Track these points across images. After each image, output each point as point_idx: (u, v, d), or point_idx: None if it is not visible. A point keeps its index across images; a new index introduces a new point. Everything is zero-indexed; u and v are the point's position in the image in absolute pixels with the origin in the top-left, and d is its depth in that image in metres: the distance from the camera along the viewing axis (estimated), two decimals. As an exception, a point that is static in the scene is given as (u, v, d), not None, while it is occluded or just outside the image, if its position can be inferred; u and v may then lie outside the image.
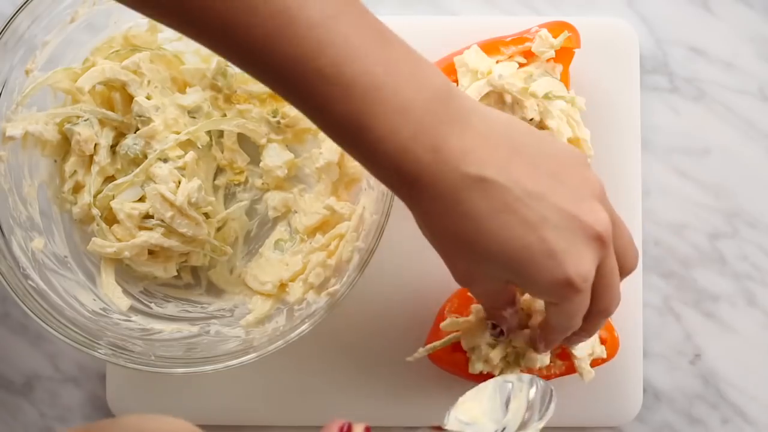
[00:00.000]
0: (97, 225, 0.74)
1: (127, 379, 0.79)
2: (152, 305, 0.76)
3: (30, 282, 0.70)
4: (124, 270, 0.76)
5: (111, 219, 0.75)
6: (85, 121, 0.74)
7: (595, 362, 0.73)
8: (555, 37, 0.73)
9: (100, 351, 0.69)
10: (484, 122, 0.56)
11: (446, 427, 0.62)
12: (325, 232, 0.75)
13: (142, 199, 0.75)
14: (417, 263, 0.79)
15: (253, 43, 0.53)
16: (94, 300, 0.74)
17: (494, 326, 0.69)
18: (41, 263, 0.72)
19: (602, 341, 0.74)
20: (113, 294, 0.74)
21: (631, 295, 0.78)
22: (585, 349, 0.72)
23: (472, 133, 0.56)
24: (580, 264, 0.57)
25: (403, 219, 0.78)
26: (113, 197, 0.74)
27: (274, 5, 0.52)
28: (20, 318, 0.81)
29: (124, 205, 0.74)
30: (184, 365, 0.69)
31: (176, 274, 0.76)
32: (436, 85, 0.56)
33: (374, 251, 0.69)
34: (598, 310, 0.61)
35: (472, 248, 0.57)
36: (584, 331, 0.63)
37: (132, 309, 0.75)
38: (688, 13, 0.82)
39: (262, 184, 0.78)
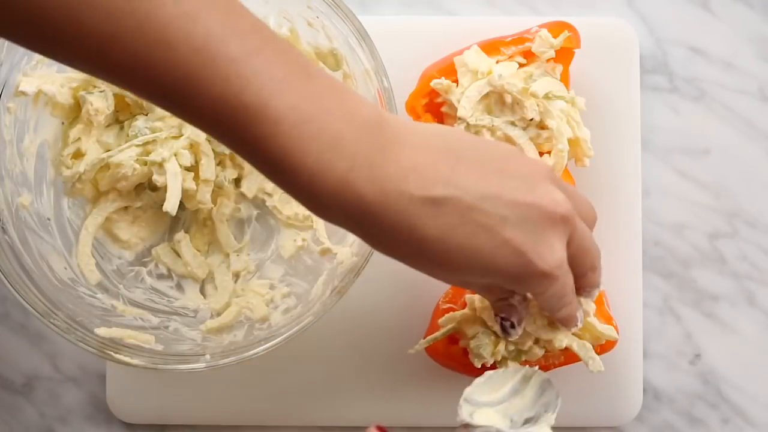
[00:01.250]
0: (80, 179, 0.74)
1: (127, 379, 0.79)
2: (120, 287, 0.76)
3: (6, 237, 0.70)
4: (102, 245, 0.76)
5: (95, 195, 0.75)
6: (100, 92, 0.74)
7: (598, 350, 0.72)
8: (555, 37, 0.73)
9: (55, 322, 0.68)
10: (418, 138, 0.55)
11: (474, 423, 0.61)
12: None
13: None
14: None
15: (174, 82, 0.50)
16: (65, 269, 0.73)
17: (503, 321, 0.65)
18: (22, 220, 0.72)
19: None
20: (86, 265, 0.74)
21: (631, 295, 0.78)
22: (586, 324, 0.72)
23: (409, 152, 0.53)
24: (551, 253, 0.57)
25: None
26: (108, 168, 0.74)
27: (195, 41, 0.49)
28: (20, 318, 0.81)
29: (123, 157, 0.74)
30: None
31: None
32: (366, 113, 0.53)
33: (346, 290, 0.69)
34: (583, 272, 0.62)
35: (444, 267, 0.56)
36: (583, 289, 0.64)
37: (99, 285, 0.74)
38: (688, 13, 0.82)
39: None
